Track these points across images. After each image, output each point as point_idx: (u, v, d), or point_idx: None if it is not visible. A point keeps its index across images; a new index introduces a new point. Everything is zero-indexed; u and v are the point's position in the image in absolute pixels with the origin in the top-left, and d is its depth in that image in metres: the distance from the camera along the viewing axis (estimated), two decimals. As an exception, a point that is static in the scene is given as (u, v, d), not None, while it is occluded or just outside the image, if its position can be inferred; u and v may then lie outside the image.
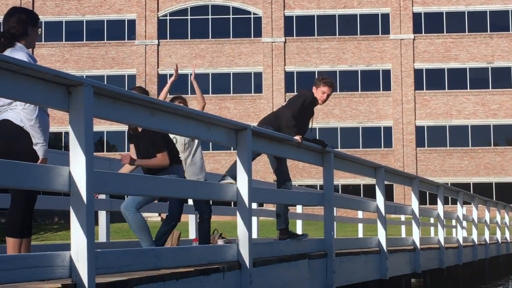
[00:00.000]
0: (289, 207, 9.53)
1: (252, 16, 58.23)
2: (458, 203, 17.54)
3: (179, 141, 8.76)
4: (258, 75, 57.71)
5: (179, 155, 8.01)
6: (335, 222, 11.17)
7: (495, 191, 54.88)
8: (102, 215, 10.36)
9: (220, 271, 6.20)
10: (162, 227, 8.13)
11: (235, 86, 57.23)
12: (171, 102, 8.74)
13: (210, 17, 58.16)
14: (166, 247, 6.89)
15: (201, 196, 6.68)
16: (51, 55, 57.80)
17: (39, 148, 5.63)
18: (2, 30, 5.82)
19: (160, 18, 58.40)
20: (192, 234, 11.95)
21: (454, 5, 57.37)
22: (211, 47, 57.77)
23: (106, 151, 54.78)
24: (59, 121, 53.82)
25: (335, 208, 9.80)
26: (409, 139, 56.37)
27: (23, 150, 5.62)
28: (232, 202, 6.73)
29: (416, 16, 57.64)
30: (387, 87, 57.16)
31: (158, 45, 57.92)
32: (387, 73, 57.26)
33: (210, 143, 51.99)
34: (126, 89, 5.51)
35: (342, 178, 51.55)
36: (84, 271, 4.49)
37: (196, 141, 9.03)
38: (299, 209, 17.77)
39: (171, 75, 9.05)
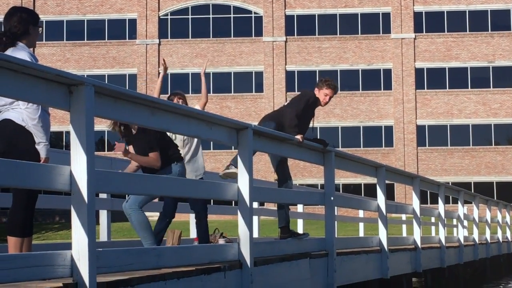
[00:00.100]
0: (290, 206, 9.53)
1: (253, 15, 58.22)
2: (459, 202, 17.53)
3: (178, 137, 8.75)
4: (259, 75, 57.71)
5: (179, 151, 7.99)
6: (336, 222, 11.17)
7: (496, 191, 54.86)
8: (103, 215, 10.37)
9: (221, 271, 6.20)
10: (157, 225, 8.15)
11: (236, 85, 57.24)
12: (170, 98, 8.75)
13: (211, 16, 58.16)
14: (167, 247, 6.89)
15: (202, 195, 6.68)
16: (52, 55, 57.81)
17: (42, 147, 5.64)
18: (3, 30, 5.82)
19: (161, 17, 58.41)
20: (193, 233, 11.95)
21: (455, 4, 57.35)
22: (212, 47, 57.77)
23: (107, 151, 54.79)
24: (60, 121, 53.83)
25: (336, 207, 9.80)
26: (410, 138, 56.36)
27: (24, 150, 5.62)
28: (233, 201, 6.73)
29: (417, 15, 57.63)
30: (388, 86, 57.15)
31: (159, 44, 57.93)
32: (388, 72, 57.26)
33: (211, 142, 52.01)
34: (127, 88, 5.51)
35: (343, 178, 51.55)
36: (85, 270, 4.49)
37: (195, 139, 9.02)
38: (300, 208, 17.77)
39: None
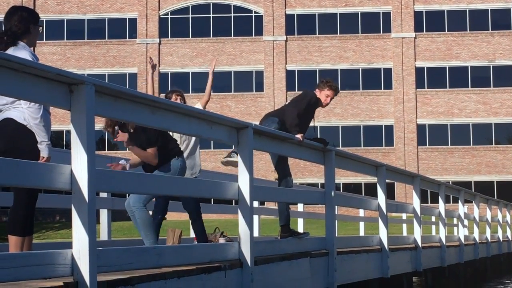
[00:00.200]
0: (290, 205, 9.53)
1: (253, 14, 58.22)
2: (459, 201, 17.54)
3: (176, 134, 8.74)
4: (260, 74, 57.71)
5: (179, 146, 7.99)
6: (336, 221, 11.17)
7: (497, 190, 54.86)
8: (104, 214, 10.37)
9: (221, 270, 6.20)
10: None
11: (236, 84, 57.23)
12: (168, 96, 8.74)
13: (211, 15, 58.16)
14: (168, 246, 6.90)
15: (203, 194, 6.68)
16: (52, 54, 57.82)
17: (44, 146, 5.65)
18: (4, 29, 5.83)
19: (161, 16, 58.41)
20: (193, 232, 11.94)
21: (455, 4, 57.34)
22: (212, 46, 57.77)
23: (108, 150, 54.81)
24: (61, 120, 53.84)
25: (336, 207, 9.80)
26: (411, 137, 56.36)
27: (26, 149, 5.63)
28: (234, 200, 6.73)
29: (418, 15, 57.62)
30: (388, 85, 57.15)
31: (160, 43, 57.93)
32: (388, 71, 57.25)
33: (212, 142, 51.99)
34: (127, 87, 5.51)
35: (343, 177, 51.55)
36: (86, 269, 4.50)
37: (193, 138, 9.01)
38: (300, 207, 17.77)
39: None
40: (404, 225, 26.76)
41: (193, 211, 8.53)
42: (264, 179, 26.54)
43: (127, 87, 6.15)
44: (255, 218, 14.98)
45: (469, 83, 56.83)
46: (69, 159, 4.62)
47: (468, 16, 57.35)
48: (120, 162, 7.74)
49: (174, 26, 58.29)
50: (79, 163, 4.58)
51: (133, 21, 58.56)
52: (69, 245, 4.75)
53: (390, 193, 48.60)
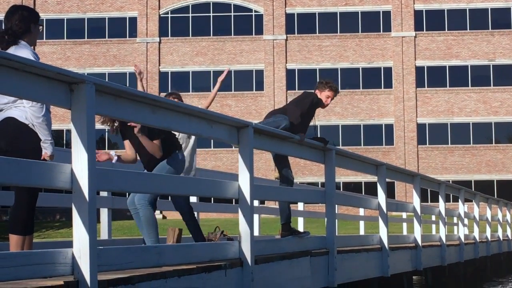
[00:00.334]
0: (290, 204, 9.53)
1: (253, 13, 58.21)
2: (459, 200, 17.54)
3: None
4: (260, 73, 57.70)
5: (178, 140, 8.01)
6: (336, 220, 11.18)
7: (497, 189, 54.86)
8: (104, 213, 10.38)
9: (222, 269, 6.20)
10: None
11: (236, 83, 57.22)
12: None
13: (211, 14, 58.14)
14: (168, 245, 6.89)
15: (204, 193, 6.68)
16: (52, 53, 57.81)
17: (48, 145, 5.67)
18: (4, 28, 5.83)
19: (161, 15, 58.40)
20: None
21: (455, 3, 57.33)
22: (213, 45, 57.77)
23: (108, 149, 54.82)
24: (61, 119, 53.85)
25: (336, 206, 9.80)
26: (411, 136, 56.36)
27: (27, 148, 5.64)
28: (234, 200, 6.73)
29: (418, 14, 57.61)
30: (388, 84, 57.14)
31: (160, 42, 57.92)
32: (388, 70, 57.25)
33: (212, 141, 51.98)
34: (128, 86, 5.51)
35: (343, 176, 51.56)
36: (86, 268, 4.50)
37: (191, 141, 9.01)
38: (300, 206, 17.77)
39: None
40: (404, 224, 26.77)
41: (186, 213, 8.51)
42: (264, 178, 26.55)
43: (127, 86, 6.15)
44: (255, 217, 14.98)
45: (469, 82, 56.82)
46: (69, 158, 4.63)
47: (468, 15, 57.34)
48: (110, 153, 7.71)
49: (174, 25, 58.28)
50: (79, 162, 4.59)
51: (133, 20, 58.55)
52: (69, 244, 4.75)
53: (390, 192, 48.61)
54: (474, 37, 57.06)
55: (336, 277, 8.75)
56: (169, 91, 9.31)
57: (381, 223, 10.93)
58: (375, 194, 11.68)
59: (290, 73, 57.43)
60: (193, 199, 12.17)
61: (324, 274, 8.65)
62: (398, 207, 15.59)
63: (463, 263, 16.67)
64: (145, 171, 7.76)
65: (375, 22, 57.69)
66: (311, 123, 9.20)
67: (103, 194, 10.00)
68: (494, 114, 56.37)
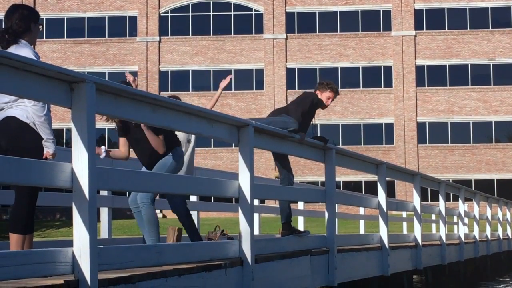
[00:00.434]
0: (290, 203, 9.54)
1: (253, 12, 58.20)
2: (459, 199, 17.54)
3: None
4: (260, 72, 57.70)
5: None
6: (336, 219, 11.18)
7: (497, 188, 54.86)
8: (104, 212, 10.38)
9: (222, 268, 6.20)
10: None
11: (236, 82, 57.21)
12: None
13: (211, 13, 58.13)
14: (168, 244, 6.89)
15: (204, 192, 6.68)
16: (52, 52, 57.81)
17: (51, 144, 5.68)
18: (4, 27, 5.83)
19: (161, 14, 58.39)
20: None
21: (455, 2, 57.32)
22: (213, 44, 57.76)
23: (108, 148, 54.73)
24: (61, 118, 53.85)
25: (336, 205, 9.80)
26: (411, 135, 56.36)
27: (28, 147, 5.64)
28: (234, 199, 6.73)
29: (418, 13, 57.60)
30: (388, 83, 57.14)
31: (160, 42, 57.91)
32: (388, 69, 57.24)
33: (212, 140, 51.99)
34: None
35: (343, 175, 51.56)
36: (87, 268, 4.50)
37: (191, 146, 9.01)
38: (300, 205, 17.77)
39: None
40: (405, 223, 26.78)
41: (182, 214, 8.50)
42: (264, 177, 26.55)
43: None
44: (256, 216, 14.99)
45: (469, 81, 56.81)
46: (69, 157, 4.63)
47: (468, 14, 57.33)
48: (101, 148, 7.71)
49: (174, 24, 58.27)
50: (79, 161, 4.59)
51: (133, 19, 58.54)
52: (69, 243, 4.75)
53: (390, 191, 48.61)
54: (474, 36, 57.05)
55: (336, 276, 8.75)
56: (170, 90, 9.30)
57: (381, 222, 10.93)
58: (375, 193, 11.68)
59: (290, 72, 57.42)
60: (193, 198, 12.17)
61: (324, 273, 8.65)
62: (398, 206, 15.59)
63: (463, 262, 16.67)
64: (144, 168, 7.76)
65: (375, 21, 57.68)
66: (311, 123, 9.22)
67: (103, 193, 10.00)
68: (494, 113, 56.37)
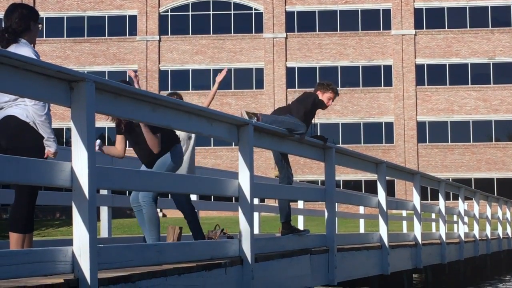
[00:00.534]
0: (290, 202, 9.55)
1: (253, 11, 58.19)
2: (459, 198, 17.54)
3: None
4: (260, 71, 57.69)
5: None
6: (336, 218, 11.18)
7: (497, 187, 54.87)
8: (104, 211, 10.38)
9: (222, 267, 6.20)
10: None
11: (236, 81, 57.21)
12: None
13: (211, 12, 58.12)
14: (168, 243, 6.89)
15: (204, 191, 6.68)
16: (52, 51, 57.80)
17: (52, 142, 5.69)
18: (4, 26, 5.83)
19: (161, 14, 58.38)
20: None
21: (455, 1, 57.32)
22: (212, 43, 57.75)
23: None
24: (61, 117, 53.85)
25: (336, 204, 9.80)
26: (411, 134, 56.36)
27: (28, 146, 5.64)
28: (234, 198, 6.73)
29: (418, 12, 57.59)
30: (388, 82, 57.13)
31: (159, 41, 57.90)
32: (388, 68, 57.24)
33: (212, 139, 52.00)
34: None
35: (343, 174, 51.55)
36: (87, 266, 4.50)
37: (192, 142, 9.02)
38: (300, 204, 17.77)
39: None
40: (404, 222, 26.78)
41: (188, 213, 8.52)
42: (264, 176, 26.55)
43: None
44: (256, 215, 14.99)
45: (469, 80, 56.81)
46: (69, 156, 4.63)
47: (468, 13, 57.32)
48: (97, 142, 7.67)
49: (174, 24, 58.26)
50: (79, 160, 4.59)
51: (133, 19, 58.53)
52: (69, 242, 4.75)
53: (390, 190, 48.62)
54: (474, 35, 57.05)
55: (336, 275, 8.75)
56: (169, 89, 9.32)
57: (381, 221, 10.93)
58: (375, 192, 11.68)
59: (290, 71, 57.42)
60: (193, 197, 12.16)
61: (324, 272, 8.65)
62: (398, 205, 15.59)
63: (463, 261, 16.67)
64: (144, 167, 7.76)
65: (375, 20, 57.67)
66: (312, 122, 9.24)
67: (103, 192, 10.00)
68: (494, 112, 56.37)
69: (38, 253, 4.33)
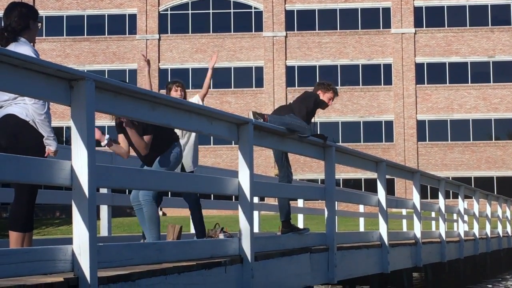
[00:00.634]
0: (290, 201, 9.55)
1: (253, 10, 58.18)
2: (459, 197, 17.54)
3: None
4: (259, 70, 57.69)
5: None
6: (336, 216, 11.18)
7: (496, 185, 54.88)
8: (104, 210, 10.38)
9: (222, 265, 6.20)
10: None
11: (236, 80, 57.21)
12: (169, 87, 8.81)
13: (211, 11, 58.12)
14: (168, 241, 6.89)
15: (204, 190, 6.68)
16: (52, 50, 57.79)
17: (52, 141, 5.69)
18: (3, 25, 5.83)
19: (161, 12, 58.36)
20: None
21: (455, -1, 57.33)
22: (212, 42, 57.74)
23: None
24: (60, 116, 53.84)
25: (336, 202, 9.80)
26: (410, 133, 56.36)
27: (28, 145, 5.64)
28: (234, 196, 6.73)
29: (417, 10, 57.58)
30: (388, 81, 57.13)
31: (159, 39, 57.89)
32: (388, 67, 57.24)
33: (211, 138, 51.99)
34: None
35: (343, 172, 51.56)
36: (86, 265, 4.50)
37: (193, 135, 9.06)
38: (300, 203, 17.77)
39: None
40: (404, 221, 26.78)
41: (192, 200, 8.61)
42: (264, 175, 26.54)
43: (127, 83, 6.14)
44: (255, 213, 14.99)
45: (469, 78, 56.81)
46: (69, 155, 4.63)
47: (468, 12, 57.32)
48: (106, 136, 7.66)
49: (174, 22, 58.26)
50: (79, 159, 4.58)
51: (132, 17, 58.52)
52: (69, 241, 4.75)
53: (390, 188, 48.61)
54: (474, 34, 57.05)
55: (336, 274, 8.75)
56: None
57: (381, 220, 10.93)
58: (375, 190, 11.68)
59: (289, 70, 57.41)
60: (193, 196, 12.16)
61: (324, 270, 8.65)
62: (398, 204, 15.57)
63: (463, 259, 16.67)
64: (143, 164, 7.76)
65: (375, 19, 57.67)
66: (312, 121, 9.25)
67: (103, 191, 10.01)
68: (494, 110, 56.37)
69: (38, 252, 4.33)
